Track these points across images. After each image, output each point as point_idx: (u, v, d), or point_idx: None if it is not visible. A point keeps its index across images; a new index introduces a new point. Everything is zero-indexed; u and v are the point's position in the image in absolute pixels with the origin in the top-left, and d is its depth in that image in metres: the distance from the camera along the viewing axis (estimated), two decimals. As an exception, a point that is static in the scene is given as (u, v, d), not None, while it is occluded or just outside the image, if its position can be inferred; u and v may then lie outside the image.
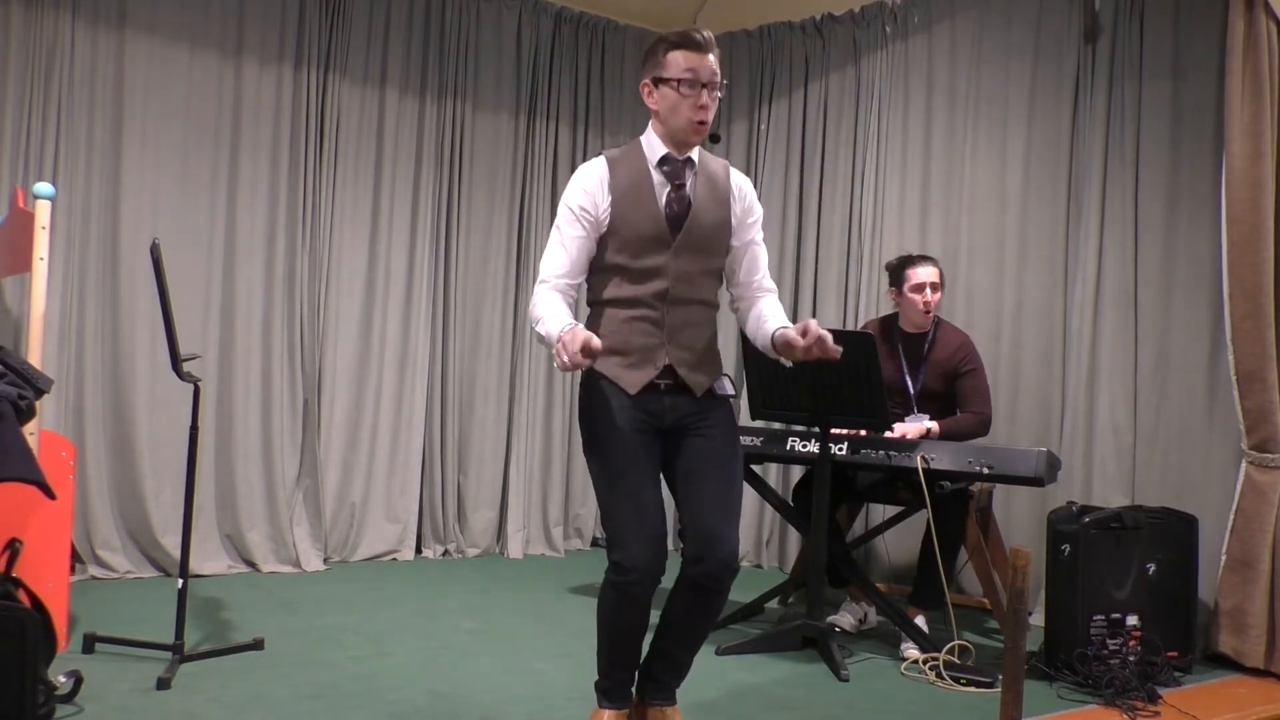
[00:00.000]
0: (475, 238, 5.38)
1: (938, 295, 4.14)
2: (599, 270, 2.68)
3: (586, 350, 2.33)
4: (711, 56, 2.59)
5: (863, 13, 5.29)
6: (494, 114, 5.40)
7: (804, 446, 3.92)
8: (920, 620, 3.95)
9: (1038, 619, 4.03)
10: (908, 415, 4.11)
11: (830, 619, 4.03)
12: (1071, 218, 4.56)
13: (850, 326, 5.12)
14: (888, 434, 3.90)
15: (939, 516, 3.82)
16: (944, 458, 3.72)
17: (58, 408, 4.22)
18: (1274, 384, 3.72)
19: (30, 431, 3.00)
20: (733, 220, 2.71)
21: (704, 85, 2.58)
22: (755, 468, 4.23)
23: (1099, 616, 3.54)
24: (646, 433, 2.64)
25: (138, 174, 4.46)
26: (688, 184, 2.65)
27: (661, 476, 2.69)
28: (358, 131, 5.02)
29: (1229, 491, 3.87)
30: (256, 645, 3.45)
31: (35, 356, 3.26)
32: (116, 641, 3.32)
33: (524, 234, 5.53)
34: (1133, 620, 3.57)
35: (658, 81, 2.61)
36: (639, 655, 2.73)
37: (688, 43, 2.58)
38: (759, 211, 2.79)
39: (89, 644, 3.31)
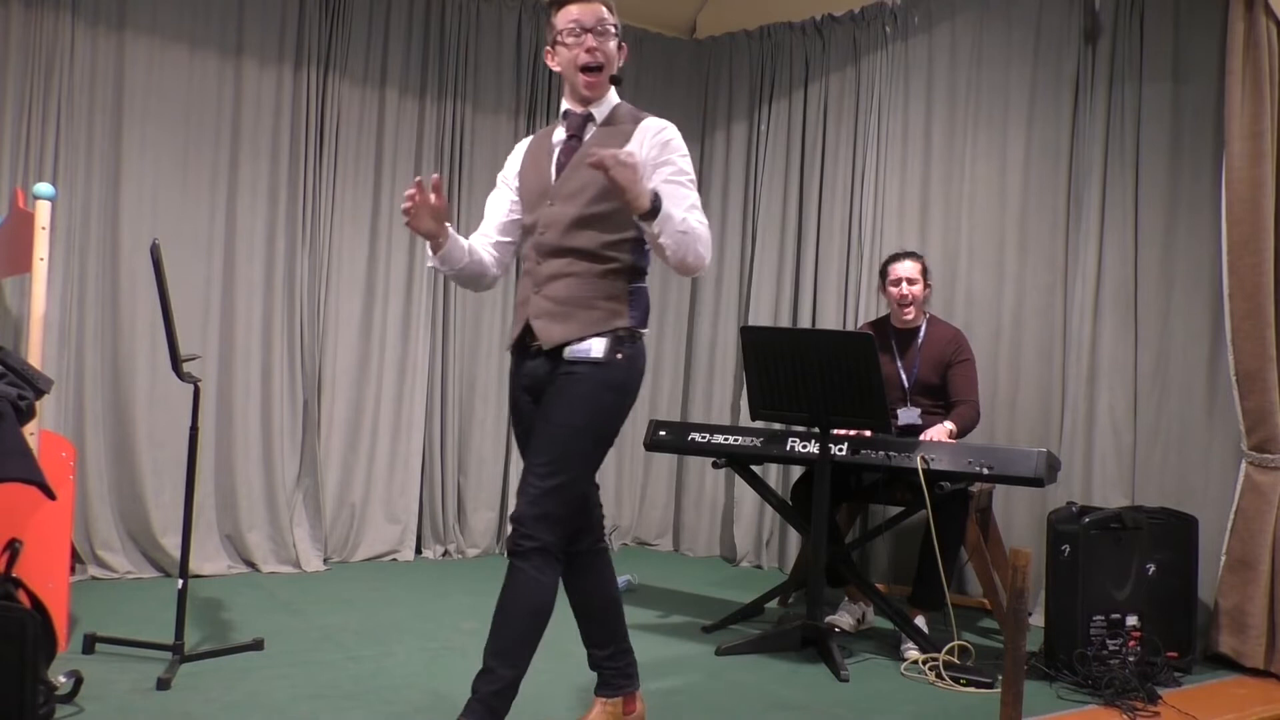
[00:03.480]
0: (475, 238, 5.37)
1: (915, 288, 4.24)
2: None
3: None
4: (597, 4, 2.55)
5: (863, 13, 5.28)
6: (494, 114, 5.40)
7: (804, 447, 3.92)
8: (920, 620, 3.95)
9: (1038, 619, 4.02)
10: (901, 409, 4.14)
11: (828, 619, 4.03)
12: (1071, 218, 4.56)
13: (849, 327, 5.13)
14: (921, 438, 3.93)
15: (939, 517, 3.82)
16: (944, 458, 3.72)
17: (58, 408, 4.23)
18: (1274, 384, 3.72)
19: (30, 431, 3.00)
20: None
21: (588, 30, 2.54)
22: (755, 468, 4.23)
23: (1099, 617, 3.54)
24: (524, 406, 2.64)
25: (138, 174, 4.46)
26: (585, 136, 2.60)
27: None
28: (358, 131, 5.02)
29: (1229, 491, 3.87)
30: (256, 645, 3.45)
31: (35, 356, 3.26)
32: (116, 641, 3.32)
33: (524, 234, 5.52)
34: (1132, 620, 3.57)
35: (554, 45, 2.61)
36: (594, 639, 2.79)
37: None
38: (673, 156, 2.54)
39: (89, 644, 3.31)
